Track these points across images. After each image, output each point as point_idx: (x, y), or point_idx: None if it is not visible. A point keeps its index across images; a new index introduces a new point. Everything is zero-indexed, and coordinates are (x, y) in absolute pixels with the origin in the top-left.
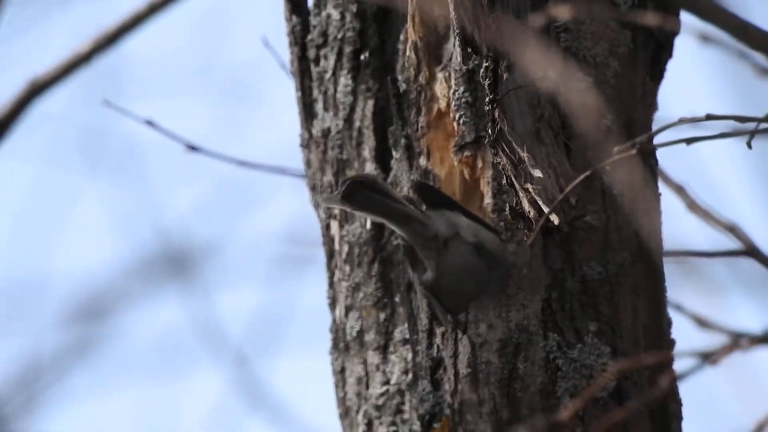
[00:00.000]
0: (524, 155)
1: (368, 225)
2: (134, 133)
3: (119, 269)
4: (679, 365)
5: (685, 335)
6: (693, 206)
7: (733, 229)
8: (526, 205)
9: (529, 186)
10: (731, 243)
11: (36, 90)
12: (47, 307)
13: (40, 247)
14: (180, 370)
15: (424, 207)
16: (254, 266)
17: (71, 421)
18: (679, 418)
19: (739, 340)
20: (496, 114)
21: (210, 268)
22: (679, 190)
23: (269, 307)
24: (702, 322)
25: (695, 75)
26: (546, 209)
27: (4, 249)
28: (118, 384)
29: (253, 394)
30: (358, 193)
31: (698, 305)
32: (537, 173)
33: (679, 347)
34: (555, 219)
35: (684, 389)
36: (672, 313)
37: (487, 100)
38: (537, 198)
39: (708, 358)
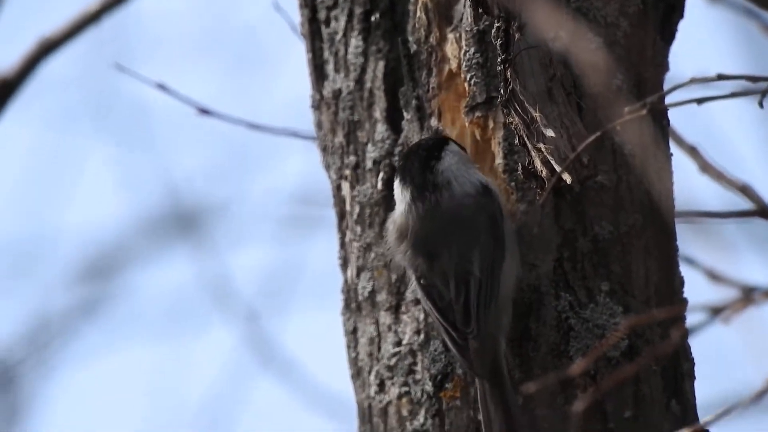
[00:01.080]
0: (536, 115)
1: (379, 186)
2: (145, 96)
3: (129, 228)
4: (690, 320)
5: (697, 291)
6: (706, 167)
7: (745, 190)
8: (538, 165)
9: (541, 145)
10: (743, 203)
11: (46, 49)
12: (56, 266)
13: (49, 206)
14: (190, 328)
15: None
16: (264, 224)
17: (81, 379)
18: (692, 376)
19: (751, 294)
20: (509, 74)
21: (220, 226)
22: (692, 150)
23: (279, 265)
24: (714, 276)
25: (706, 35)
26: (558, 168)
27: (13, 207)
28: (127, 343)
29: (263, 352)
30: None
31: (710, 261)
32: (549, 133)
33: (691, 303)
34: (567, 178)
35: (696, 345)
36: (684, 269)
37: (499, 60)
38: (549, 157)
39: (719, 312)
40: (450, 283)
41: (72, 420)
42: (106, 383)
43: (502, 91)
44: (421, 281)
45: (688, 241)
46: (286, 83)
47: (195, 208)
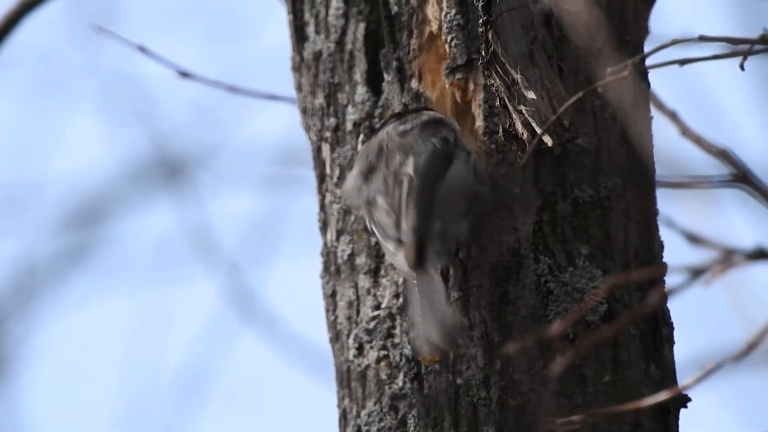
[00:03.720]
0: (518, 77)
1: (359, 148)
2: (126, 59)
3: (113, 175)
4: (670, 282)
5: (677, 254)
6: (685, 131)
7: (724, 154)
8: (519, 127)
9: (522, 108)
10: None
11: (26, 6)
12: (42, 213)
13: (35, 153)
14: (173, 276)
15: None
16: (246, 179)
17: (65, 326)
18: (671, 341)
19: (731, 256)
20: (490, 36)
21: (203, 175)
22: (672, 115)
23: (262, 216)
24: (694, 238)
25: None
26: (539, 130)
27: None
28: (111, 290)
29: (245, 304)
30: None
31: (691, 223)
32: (530, 95)
33: (671, 265)
34: (548, 140)
35: (676, 308)
36: (664, 231)
37: (480, 21)
38: (530, 119)
39: (700, 273)
40: (388, 188)
41: (56, 367)
42: (90, 331)
43: (483, 53)
44: (363, 203)
45: (668, 203)
46: (268, 46)
47: (179, 157)
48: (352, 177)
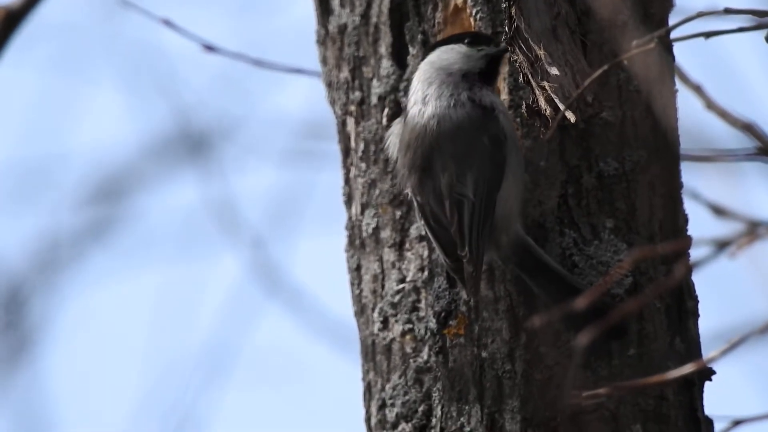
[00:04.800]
0: (541, 53)
1: (384, 121)
2: (151, 33)
3: (136, 150)
4: (695, 255)
5: (702, 226)
6: (710, 105)
7: (749, 128)
8: (542, 103)
9: (545, 83)
10: (748, 142)
11: None
12: (65, 188)
13: (58, 127)
14: (198, 252)
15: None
16: (270, 153)
17: (89, 303)
18: (696, 314)
19: (756, 229)
20: (513, 12)
21: (227, 148)
22: (697, 89)
23: (286, 191)
24: (719, 211)
25: None
26: (562, 107)
27: (23, 130)
28: (135, 265)
29: (270, 278)
30: None
31: (716, 195)
32: (554, 71)
33: (696, 238)
34: (571, 116)
35: (701, 281)
36: (689, 204)
37: None
38: (553, 95)
39: (725, 246)
40: (444, 203)
41: (80, 344)
42: (114, 307)
43: (506, 28)
44: (417, 198)
45: (693, 176)
46: (293, 19)
47: (203, 131)
48: (402, 164)
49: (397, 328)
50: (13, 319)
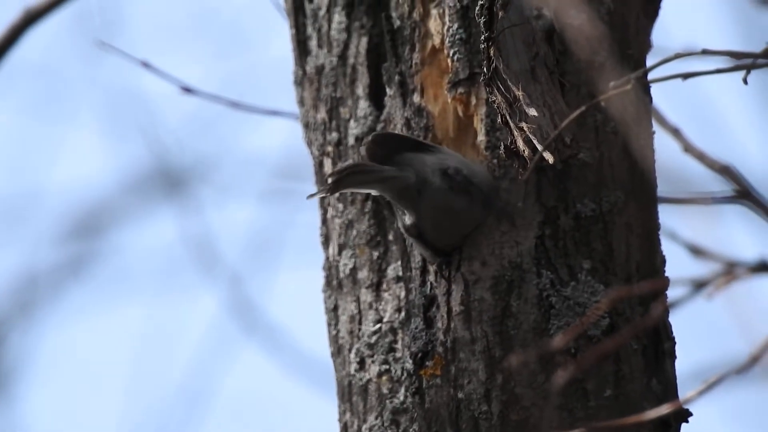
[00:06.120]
0: (519, 93)
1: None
2: (128, 75)
3: (114, 186)
4: (673, 295)
5: (680, 267)
6: (688, 148)
7: (726, 171)
8: (520, 144)
9: (524, 125)
10: (726, 184)
11: (30, 19)
12: (42, 224)
13: (35, 165)
14: (175, 288)
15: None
16: (249, 186)
17: (66, 337)
18: (673, 355)
19: (733, 269)
20: (492, 52)
21: (205, 186)
22: (675, 131)
23: (264, 228)
24: (696, 251)
25: (691, 10)
26: (540, 148)
27: (0, 164)
28: (113, 301)
29: (247, 315)
30: (341, 181)
31: (692, 237)
32: (532, 112)
33: (673, 278)
34: (549, 157)
35: (678, 321)
36: (666, 244)
37: (482, 38)
38: (532, 137)
39: (702, 286)
40: None
41: (58, 380)
42: (91, 342)
43: (485, 69)
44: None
45: (670, 218)
46: (270, 60)
47: (180, 169)
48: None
49: (373, 369)
50: None
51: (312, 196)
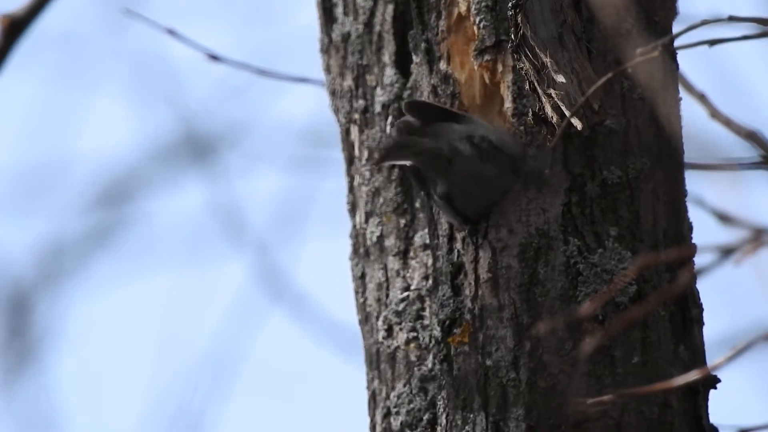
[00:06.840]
0: (547, 60)
1: (388, 129)
2: (155, 42)
3: (141, 155)
4: (700, 262)
5: (707, 233)
6: (715, 113)
7: (753, 137)
8: (548, 110)
9: (551, 91)
10: (752, 150)
11: None
12: (69, 192)
13: (62, 135)
14: (202, 256)
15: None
16: (276, 154)
17: (94, 307)
18: (700, 322)
19: (761, 235)
20: (519, 19)
21: (232, 154)
22: (701, 97)
23: (291, 195)
24: (723, 218)
25: None
26: (568, 114)
27: (27, 134)
28: (140, 271)
29: (274, 284)
30: (387, 156)
31: (719, 203)
32: (560, 78)
33: (700, 245)
34: (577, 123)
35: (705, 288)
36: (693, 212)
37: (510, 5)
38: (560, 103)
39: (729, 253)
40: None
41: (86, 349)
42: (118, 312)
43: (512, 36)
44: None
45: (697, 184)
46: (297, 28)
47: (207, 137)
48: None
49: (401, 337)
50: (19, 326)
51: (357, 171)
